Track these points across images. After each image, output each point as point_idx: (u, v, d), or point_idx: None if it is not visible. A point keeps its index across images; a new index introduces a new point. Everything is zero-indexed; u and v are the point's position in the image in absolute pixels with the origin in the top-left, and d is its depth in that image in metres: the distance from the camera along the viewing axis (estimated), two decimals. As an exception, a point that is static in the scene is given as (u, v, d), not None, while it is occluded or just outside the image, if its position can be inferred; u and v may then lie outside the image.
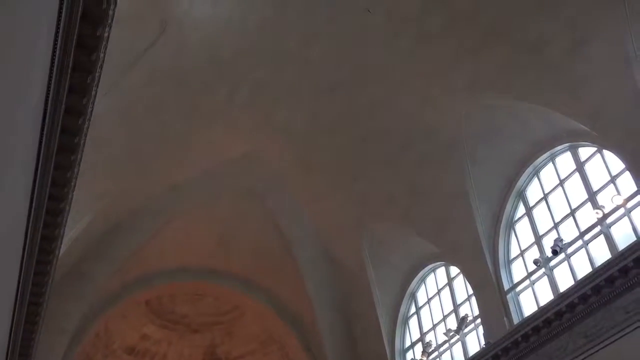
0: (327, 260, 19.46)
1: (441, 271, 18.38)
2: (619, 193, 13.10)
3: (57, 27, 6.79)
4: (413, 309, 19.05)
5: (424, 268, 18.64)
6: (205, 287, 21.45)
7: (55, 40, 6.85)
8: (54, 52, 6.95)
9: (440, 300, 18.14)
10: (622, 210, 12.98)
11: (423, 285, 18.97)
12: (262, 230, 19.00)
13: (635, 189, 12.72)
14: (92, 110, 9.29)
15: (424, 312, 18.66)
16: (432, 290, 18.55)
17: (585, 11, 12.56)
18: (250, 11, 13.25)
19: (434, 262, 18.34)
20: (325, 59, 14.47)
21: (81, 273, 17.96)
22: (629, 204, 12.85)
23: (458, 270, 17.34)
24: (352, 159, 16.84)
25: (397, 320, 19.09)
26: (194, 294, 22.45)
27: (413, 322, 18.96)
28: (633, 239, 12.39)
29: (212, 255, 19.99)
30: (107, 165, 15.11)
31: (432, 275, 18.71)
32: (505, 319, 14.92)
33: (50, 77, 7.24)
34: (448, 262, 17.78)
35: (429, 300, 18.57)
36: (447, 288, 17.89)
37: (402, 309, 19.12)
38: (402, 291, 19.09)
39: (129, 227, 18.17)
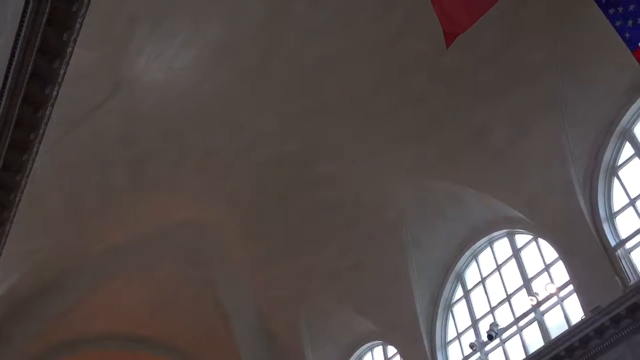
0: (264, 334, 19.01)
1: (378, 350, 18.20)
2: (552, 281, 13.48)
3: (5, 83, 6.71)
4: (349, 388, 18.67)
5: (361, 346, 18.42)
6: (135, 356, 20.44)
7: (0, 95, 6.76)
8: (-3, 107, 6.84)
9: (377, 380, 17.89)
10: (555, 299, 13.32)
11: (360, 364, 18.71)
12: (199, 300, 18.48)
13: (567, 278, 13.13)
14: (31, 167, 9.07)
15: (360, 391, 18.32)
16: (369, 370, 18.30)
17: (525, 106, 13.31)
18: (205, 79, 13.39)
19: (372, 341, 18.17)
20: (277, 131, 14.65)
21: (0, 335, 16.90)
22: (562, 293, 13.23)
23: (395, 351, 17.23)
24: (296, 233, 16.80)
25: (333, 400, 18.64)
26: (121, 362, 21.35)
27: (348, 402, 18.54)
28: (565, 327, 12.68)
29: (145, 322, 19.22)
30: (43, 222, 14.58)
31: (369, 355, 18.48)
32: (440, 402, 14.81)
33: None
34: (386, 341, 17.67)
35: (365, 380, 18.28)
36: (384, 368, 17.71)
37: (338, 387, 18.72)
38: (338, 369, 18.75)
39: (59, 287, 17.34)
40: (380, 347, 18.08)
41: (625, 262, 12.13)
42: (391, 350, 17.56)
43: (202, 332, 19.18)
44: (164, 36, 12.27)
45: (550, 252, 13.81)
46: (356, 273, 16.89)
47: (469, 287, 15.83)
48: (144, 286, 18.24)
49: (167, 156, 14.72)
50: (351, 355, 18.59)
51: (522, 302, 14.09)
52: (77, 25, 7.25)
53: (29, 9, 7.41)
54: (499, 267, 15.14)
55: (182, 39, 12.41)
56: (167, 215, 16.41)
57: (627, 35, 8.87)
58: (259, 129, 14.59)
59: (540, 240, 14.14)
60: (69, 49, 7.16)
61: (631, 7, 8.69)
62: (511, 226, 14.91)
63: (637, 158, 12.58)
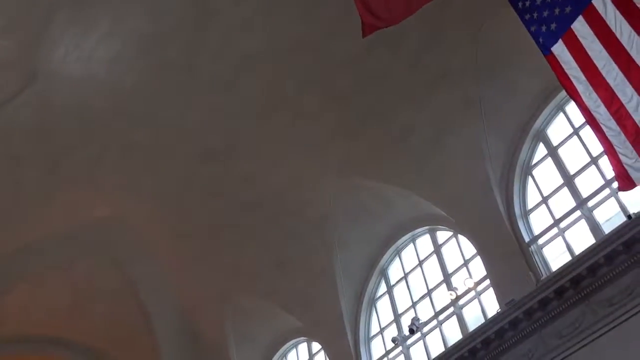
0: (188, 333, 18.68)
1: (303, 347, 18.28)
2: (470, 276, 13.95)
3: None
4: (273, 386, 18.65)
5: (286, 344, 18.43)
6: (50, 359, 19.64)
7: None
8: None
9: (301, 377, 17.97)
10: (472, 293, 13.80)
11: (284, 361, 18.74)
12: (120, 300, 17.92)
13: (484, 273, 13.64)
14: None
15: (284, 389, 18.35)
16: (293, 367, 18.36)
17: (447, 107, 13.71)
18: (126, 73, 13.01)
19: (297, 338, 18.22)
20: (201, 127, 14.41)
21: None
22: (479, 288, 13.72)
23: (320, 347, 17.36)
24: (221, 231, 16.59)
25: (257, 398, 18.58)
26: (36, 365, 20.42)
27: (273, 400, 18.52)
28: (482, 321, 13.16)
29: (61, 324, 18.45)
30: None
31: (293, 351, 18.52)
32: (363, 396, 15.05)
33: None
34: (310, 337, 17.76)
35: (289, 377, 18.33)
36: (308, 365, 17.81)
37: (262, 385, 18.67)
38: (263, 367, 18.70)
39: (-33, 288, 16.43)
40: (305, 344, 18.17)
41: (538, 257, 12.70)
42: (316, 346, 17.68)
43: (122, 333, 18.64)
44: (83, 26, 11.86)
45: (469, 248, 14.28)
46: (281, 271, 16.89)
47: (392, 282, 16.16)
48: (59, 286, 17.51)
49: (84, 151, 14.20)
50: (275, 353, 18.59)
51: (442, 297, 14.52)
52: (-11, 12, 6.88)
53: None
54: (421, 263, 15.52)
55: (103, 30, 12.03)
56: (84, 213, 15.82)
57: (540, 40, 9.27)
58: (181, 125, 14.32)
59: (460, 236, 14.60)
60: (-20, 36, 6.77)
61: (545, 14, 9.10)
62: (433, 223, 15.30)
63: (549, 158, 13.22)
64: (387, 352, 15.32)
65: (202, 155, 14.94)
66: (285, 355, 18.69)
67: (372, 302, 16.38)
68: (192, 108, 13.97)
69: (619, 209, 11.56)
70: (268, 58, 13.19)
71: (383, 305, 16.18)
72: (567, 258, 12.01)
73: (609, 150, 8.72)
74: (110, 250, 17.06)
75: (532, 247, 12.82)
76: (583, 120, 10.95)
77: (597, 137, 8.99)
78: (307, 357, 17.93)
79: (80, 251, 16.88)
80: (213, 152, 14.93)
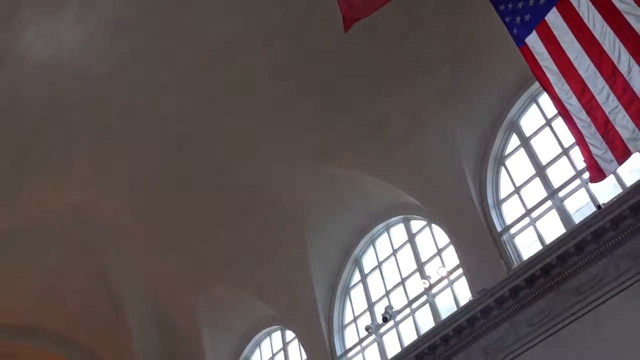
0: (161, 321, 18.56)
1: (277, 335, 18.30)
2: (443, 265, 14.08)
3: None
4: (247, 374, 18.67)
5: (259, 332, 18.45)
6: (20, 348, 19.34)
7: None
8: None
9: (275, 365, 17.99)
10: (445, 282, 13.94)
11: (258, 349, 18.72)
12: (90, 288, 17.70)
13: (457, 262, 13.77)
14: None
15: (258, 377, 18.37)
16: (267, 355, 18.33)
17: (422, 97, 13.73)
18: (98, 57, 12.76)
19: (270, 326, 18.24)
20: (174, 113, 14.23)
21: None
22: (452, 276, 13.85)
23: (294, 335, 17.39)
24: (194, 218, 16.45)
25: (230, 386, 18.57)
26: (6, 354, 20.13)
27: (246, 388, 18.55)
28: (454, 309, 13.30)
29: (31, 312, 18.17)
30: None
31: (267, 339, 18.54)
32: (336, 384, 15.13)
33: None
34: (284, 326, 17.79)
35: (263, 365, 18.34)
36: (282, 353, 17.83)
37: (236, 373, 18.66)
38: (236, 355, 18.65)
39: None
40: (279, 332, 18.19)
41: (510, 246, 12.86)
42: (289, 334, 17.71)
43: (94, 321, 18.45)
44: (53, 10, 11.59)
45: (442, 237, 14.39)
46: (255, 259, 16.84)
47: (366, 271, 16.23)
48: (29, 275, 17.22)
49: (54, 138, 13.93)
50: (249, 341, 18.58)
51: (416, 286, 14.63)
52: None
53: None
54: (394, 252, 15.61)
55: (74, 14, 11.77)
56: (54, 200, 15.54)
57: (515, 31, 9.33)
58: (154, 111, 14.12)
59: (433, 225, 14.70)
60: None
61: (519, 5, 9.16)
62: (407, 212, 15.38)
63: (522, 149, 13.35)
64: (361, 340, 15.41)
65: (175, 142, 14.76)
66: (258, 343, 18.70)
67: (346, 290, 16.44)
68: (165, 94, 13.77)
69: (589, 200, 11.75)
70: (243, 45, 13.05)
71: (357, 294, 16.25)
72: (538, 247, 12.18)
73: (580, 141, 8.83)
74: (81, 239, 16.80)
75: (504, 237, 12.96)
76: (556, 111, 11.06)
77: (569, 128, 9.09)
78: (281, 345, 17.97)
79: (50, 239, 16.60)
80: (186, 139, 14.75)
